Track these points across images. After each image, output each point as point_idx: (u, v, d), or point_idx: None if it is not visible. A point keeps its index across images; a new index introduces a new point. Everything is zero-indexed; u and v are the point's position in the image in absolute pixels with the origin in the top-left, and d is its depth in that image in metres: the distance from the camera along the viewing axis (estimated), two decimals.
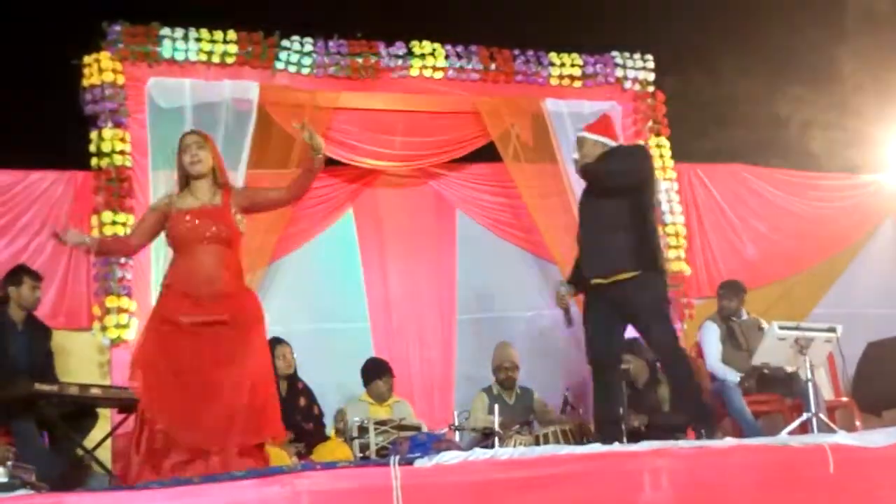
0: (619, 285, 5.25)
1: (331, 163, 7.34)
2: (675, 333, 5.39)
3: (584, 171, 5.45)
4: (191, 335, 4.34)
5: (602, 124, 5.64)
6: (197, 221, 4.41)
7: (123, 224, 6.48)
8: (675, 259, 7.65)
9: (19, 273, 5.95)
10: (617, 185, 5.33)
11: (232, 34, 6.99)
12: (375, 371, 6.68)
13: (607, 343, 5.41)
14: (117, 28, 6.77)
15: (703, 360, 6.93)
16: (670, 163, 7.85)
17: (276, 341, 6.10)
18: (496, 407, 6.09)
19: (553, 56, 7.73)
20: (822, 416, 5.77)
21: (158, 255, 6.59)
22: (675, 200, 7.78)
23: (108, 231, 6.44)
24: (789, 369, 6.24)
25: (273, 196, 4.71)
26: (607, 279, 5.28)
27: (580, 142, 5.54)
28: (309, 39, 7.17)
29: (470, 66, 7.49)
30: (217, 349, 4.33)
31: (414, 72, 7.37)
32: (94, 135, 6.62)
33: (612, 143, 5.51)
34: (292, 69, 7.11)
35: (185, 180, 4.56)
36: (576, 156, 5.55)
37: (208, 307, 4.36)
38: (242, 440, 4.27)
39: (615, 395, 5.44)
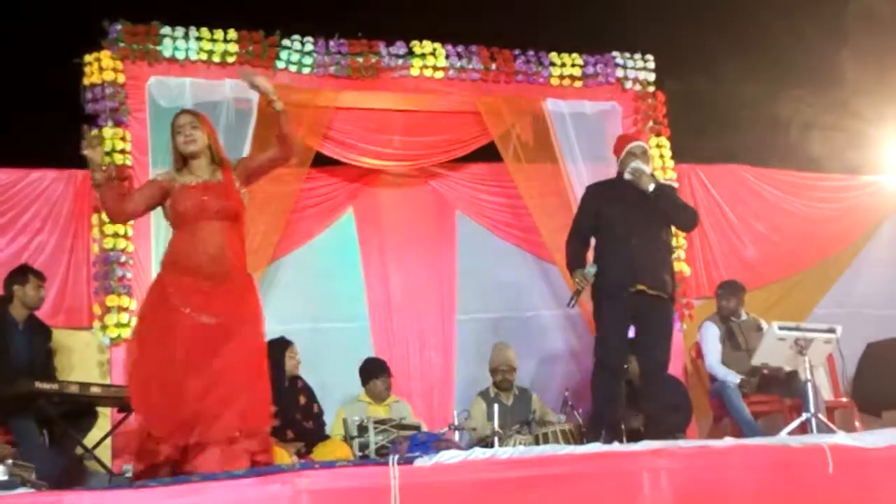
0: (657, 300, 5.51)
1: (331, 162, 7.36)
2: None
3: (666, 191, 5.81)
4: (188, 326, 4.26)
5: None
6: (204, 197, 4.37)
7: (123, 222, 6.47)
8: (676, 259, 7.63)
9: (24, 272, 5.96)
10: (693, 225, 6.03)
11: (232, 33, 6.99)
12: (373, 371, 6.68)
13: (623, 347, 5.57)
14: (118, 27, 6.77)
15: (703, 360, 6.94)
16: (670, 163, 7.84)
17: (285, 343, 6.16)
18: (495, 408, 6.10)
19: (554, 56, 7.71)
20: (821, 416, 5.77)
21: (158, 255, 6.59)
22: None
23: (109, 230, 6.44)
24: (788, 369, 6.24)
25: (265, 158, 4.61)
26: (651, 291, 5.48)
27: (650, 155, 6.07)
28: (309, 39, 7.17)
29: (470, 66, 7.48)
30: (208, 343, 4.25)
31: (414, 71, 7.36)
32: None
33: None
34: (293, 69, 7.11)
35: (182, 161, 4.50)
36: (649, 169, 5.79)
37: (209, 294, 4.28)
38: (227, 429, 4.16)
39: (620, 399, 5.51)
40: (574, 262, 5.75)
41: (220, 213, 4.37)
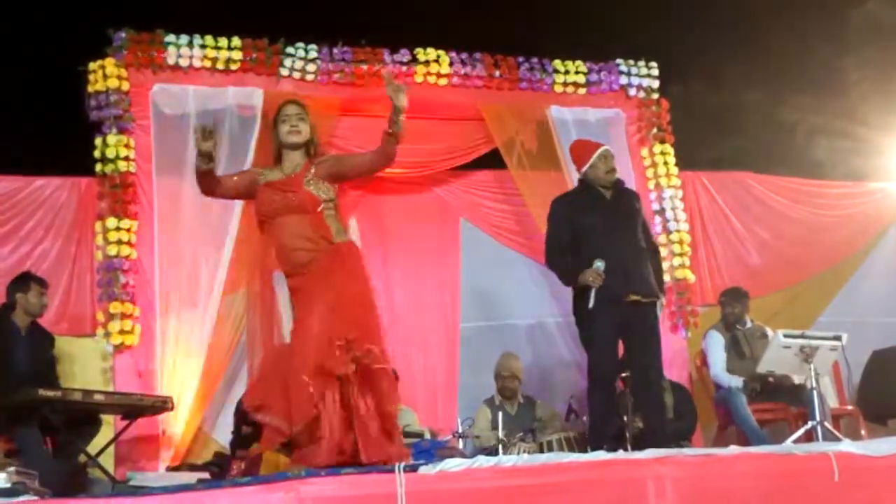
0: (649, 307, 5.48)
1: None
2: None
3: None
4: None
5: None
6: (271, 195, 4.40)
7: (128, 230, 6.48)
8: (680, 267, 7.63)
9: (27, 279, 5.97)
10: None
11: (236, 41, 6.99)
12: None
13: (617, 358, 5.52)
14: (122, 35, 6.78)
15: (708, 368, 6.92)
16: (675, 170, 7.83)
17: None
18: (500, 416, 6.08)
19: (557, 63, 7.72)
20: (826, 424, 5.75)
21: (162, 261, 6.60)
22: (680, 208, 7.75)
23: (112, 238, 6.44)
24: (797, 380, 6.22)
25: (359, 162, 4.66)
26: (645, 299, 5.44)
27: (613, 157, 5.76)
28: (313, 46, 7.17)
29: (474, 73, 7.48)
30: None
31: (418, 78, 7.35)
32: (98, 141, 6.62)
33: None
34: (297, 76, 7.11)
35: (279, 152, 4.52)
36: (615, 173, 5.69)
37: (301, 283, 4.38)
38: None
39: (617, 408, 5.48)
40: (571, 271, 5.50)
41: (285, 207, 4.38)
